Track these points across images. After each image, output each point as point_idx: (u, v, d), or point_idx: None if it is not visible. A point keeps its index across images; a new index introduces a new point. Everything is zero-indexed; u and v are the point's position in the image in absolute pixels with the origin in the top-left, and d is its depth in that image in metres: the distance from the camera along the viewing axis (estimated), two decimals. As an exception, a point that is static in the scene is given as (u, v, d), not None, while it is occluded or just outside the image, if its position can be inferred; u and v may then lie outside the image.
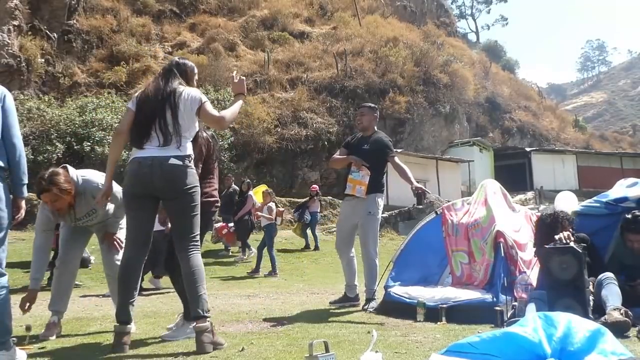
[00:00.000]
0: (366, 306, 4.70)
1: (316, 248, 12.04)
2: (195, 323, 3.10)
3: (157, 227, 3.37)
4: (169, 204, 3.22)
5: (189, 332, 3.42)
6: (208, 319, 3.10)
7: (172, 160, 3.13)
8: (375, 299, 4.76)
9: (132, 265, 3.23)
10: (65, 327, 3.97)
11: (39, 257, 3.71)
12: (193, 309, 3.13)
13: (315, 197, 12.62)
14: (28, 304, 3.60)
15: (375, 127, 5.12)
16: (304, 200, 13.21)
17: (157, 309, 5.17)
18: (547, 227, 3.90)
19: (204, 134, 3.76)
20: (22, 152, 2.89)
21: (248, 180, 11.54)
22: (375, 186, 4.86)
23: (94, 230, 3.98)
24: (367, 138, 5.00)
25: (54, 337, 3.59)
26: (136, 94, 3.32)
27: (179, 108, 3.20)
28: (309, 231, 12.31)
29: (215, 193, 3.86)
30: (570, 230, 3.83)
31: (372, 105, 5.30)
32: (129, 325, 3.17)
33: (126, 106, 3.34)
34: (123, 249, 3.33)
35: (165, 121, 3.18)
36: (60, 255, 3.93)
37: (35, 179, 3.53)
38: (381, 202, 4.94)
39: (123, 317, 3.15)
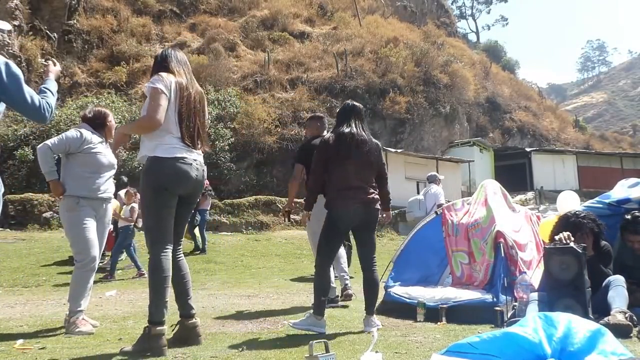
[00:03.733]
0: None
1: (203, 251, 10.78)
2: (187, 320, 3.20)
3: None
4: (185, 206, 3.26)
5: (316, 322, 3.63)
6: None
7: (204, 166, 3.27)
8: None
9: (169, 262, 3.11)
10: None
11: (52, 157, 3.99)
12: (188, 308, 3.22)
13: (206, 194, 11.12)
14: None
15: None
16: None
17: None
18: (566, 226, 3.81)
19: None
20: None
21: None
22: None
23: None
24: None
25: (93, 330, 3.77)
26: (170, 80, 3.12)
27: (206, 112, 3.35)
28: (197, 232, 11.05)
29: None
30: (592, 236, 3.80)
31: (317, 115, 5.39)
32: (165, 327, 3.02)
33: (158, 88, 3.03)
34: (162, 247, 3.08)
35: (203, 124, 3.28)
36: (85, 253, 3.90)
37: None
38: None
39: (161, 316, 3.03)
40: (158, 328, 2.96)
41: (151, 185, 3.08)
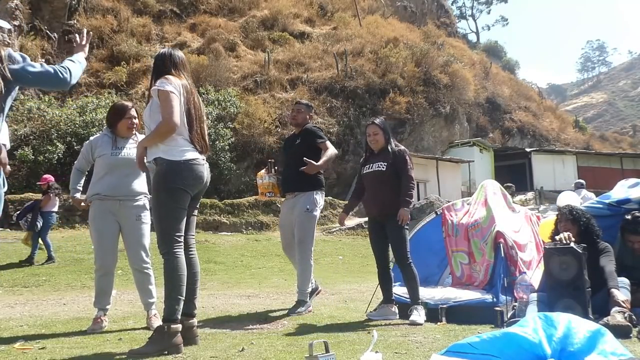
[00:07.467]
0: (299, 309, 4.48)
1: (50, 258, 9.27)
2: (188, 319, 3.20)
3: None
4: (194, 204, 3.33)
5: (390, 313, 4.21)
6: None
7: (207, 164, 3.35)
8: (307, 302, 4.61)
9: (185, 261, 3.17)
10: (66, 327, 3.99)
11: (78, 175, 4.14)
12: (192, 307, 3.26)
13: (49, 193, 9.24)
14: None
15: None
16: (31, 201, 9.97)
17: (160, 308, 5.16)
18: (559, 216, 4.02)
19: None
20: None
21: None
22: (313, 182, 4.65)
23: (121, 219, 3.95)
24: (299, 134, 4.89)
25: (102, 329, 3.86)
26: (177, 83, 3.12)
27: (205, 115, 3.42)
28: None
29: None
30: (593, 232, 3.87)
31: (310, 103, 5.16)
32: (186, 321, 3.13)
33: (169, 91, 3.04)
34: (169, 246, 3.10)
35: (205, 128, 3.34)
36: (97, 259, 4.00)
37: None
38: (320, 199, 4.70)
39: (178, 314, 3.09)
40: (174, 326, 3.02)
41: (169, 187, 3.10)
